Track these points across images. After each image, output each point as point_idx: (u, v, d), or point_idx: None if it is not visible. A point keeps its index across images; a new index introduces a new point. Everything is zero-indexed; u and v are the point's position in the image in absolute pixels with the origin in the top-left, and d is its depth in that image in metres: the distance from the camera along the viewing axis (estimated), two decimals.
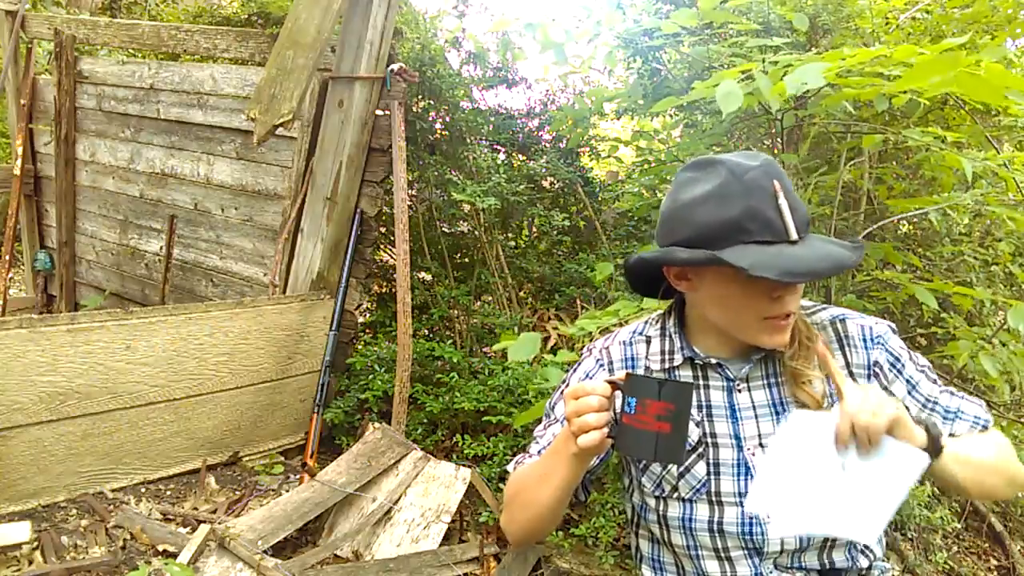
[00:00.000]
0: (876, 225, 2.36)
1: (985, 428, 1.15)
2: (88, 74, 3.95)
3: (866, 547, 1.14)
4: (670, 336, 1.18)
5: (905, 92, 1.62)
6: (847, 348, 1.12)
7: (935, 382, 1.15)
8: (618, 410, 0.99)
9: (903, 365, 1.13)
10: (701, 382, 1.14)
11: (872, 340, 1.12)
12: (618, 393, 0.99)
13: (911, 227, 2.91)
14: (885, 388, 1.11)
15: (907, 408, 1.11)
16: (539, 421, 1.27)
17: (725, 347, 1.12)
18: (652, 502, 1.16)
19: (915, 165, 2.43)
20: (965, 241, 2.70)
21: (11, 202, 4.23)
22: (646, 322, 1.24)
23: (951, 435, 1.14)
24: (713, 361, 1.12)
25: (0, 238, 4.42)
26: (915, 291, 1.95)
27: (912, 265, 2.39)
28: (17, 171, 4.19)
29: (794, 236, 0.97)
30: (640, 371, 1.18)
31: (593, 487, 1.34)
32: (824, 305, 1.19)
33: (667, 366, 1.16)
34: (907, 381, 1.13)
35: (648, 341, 1.20)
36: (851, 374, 1.11)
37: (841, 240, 1.05)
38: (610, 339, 1.24)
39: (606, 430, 0.96)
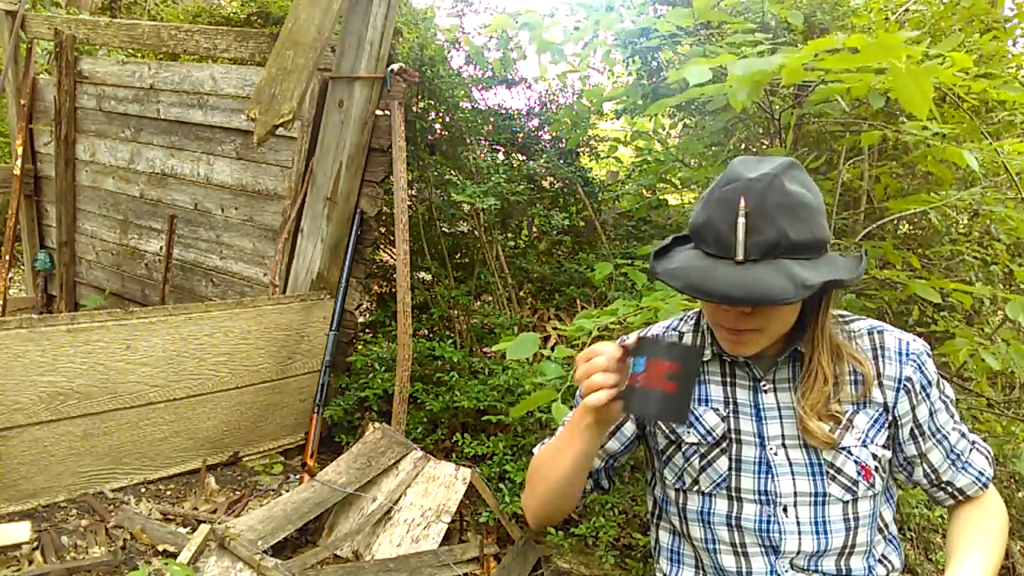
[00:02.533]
0: (875, 224, 2.36)
1: (985, 487, 1.16)
2: (88, 74, 3.95)
3: (884, 556, 1.15)
4: (702, 332, 1.20)
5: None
6: (881, 359, 1.12)
7: (953, 416, 1.16)
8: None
9: (932, 390, 1.13)
10: (728, 379, 1.15)
11: (907, 355, 1.12)
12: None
13: (910, 227, 2.91)
14: (912, 408, 1.12)
15: (915, 437, 1.13)
16: (537, 421, 1.28)
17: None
18: (673, 494, 1.18)
19: (913, 162, 2.43)
20: (963, 240, 2.70)
21: (11, 202, 4.23)
22: (681, 318, 1.27)
23: (949, 483, 1.15)
24: (740, 359, 1.13)
25: (0, 238, 4.42)
26: (916, 288, 1.95)
27: (911, 265, 2.39)
28: (17, 171, 4.20)
29: (739, 257, 0.97)
30: None
31: (608, 491, 1.36)
32: (863, 316, 1.20)
33: None
34: (931, 405, 1.13)
35: (680, 336, 1.23)
36: (880, 385, 1.11)
37: (807, 274, 0.96)
38: (644, 333, 1.27)
39: (614, 391, 1.00)
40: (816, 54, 1.33)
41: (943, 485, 1.16)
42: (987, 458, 1.18)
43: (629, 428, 1.23)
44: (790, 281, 0.94)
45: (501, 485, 2.44)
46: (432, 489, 2.39)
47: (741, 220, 0.97)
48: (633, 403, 1.00)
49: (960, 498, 1.17)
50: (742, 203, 0.97)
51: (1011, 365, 1.93)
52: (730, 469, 1.11)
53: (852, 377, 1.11)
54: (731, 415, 1.13)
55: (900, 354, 1.12)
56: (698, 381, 1.16)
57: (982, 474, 1.16)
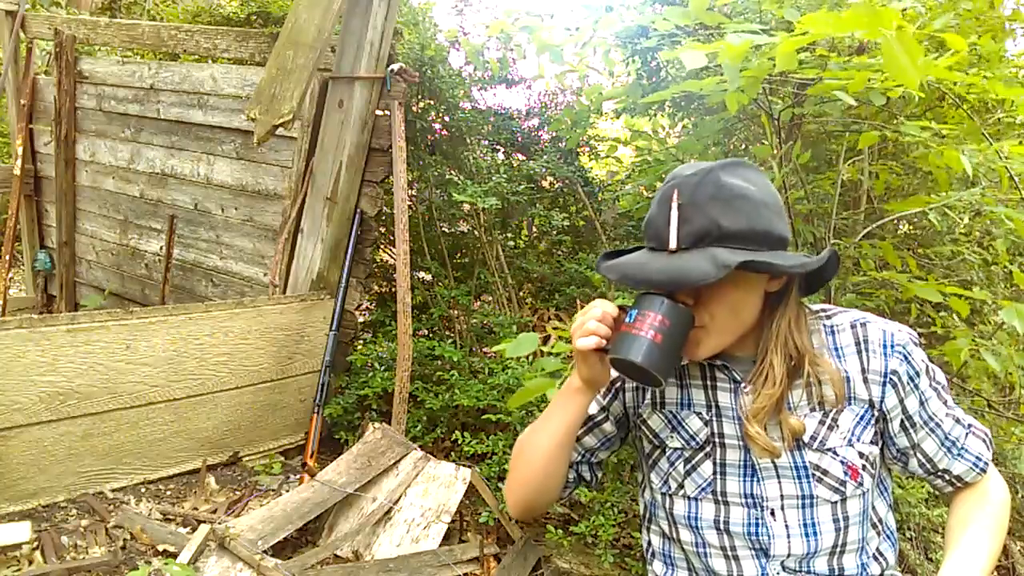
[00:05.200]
0: (875, 224, 2.36)
1: (983, 472, 1.14)
2: (88, 74, 3.95)
3: (879, 552, 1.13)
4: None
5: (898, 86, 1.62)
6: (865, 353, 1.09)
7: (945, 402, 1.13)
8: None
9: (920, 379, 1.10)
10: (709, 382, 1.14)
11: (892, 347, 1.09)
12: None
13: (911, 227, 2.91)
14: (900, 400, 1.09)
15: (906, 429, 1.11)
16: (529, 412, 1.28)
17: (731, 348, 1.12)
18: (660, 499, 1.17)
19: (912, 162, 2.42)
20: (963, 241, 2.70)
21: (11, 202, 4.24)
22: None
23: (946, 471, 1.14)
24: (719, 362, 1.12)
25: (0, 238, 4.42)
26: (915, 290, 1.95)
27: (909, 265, 2.39)
28: (17, 171, 4.20)
29: (671, 246, 0.99)
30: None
31: (593, 486, 1.35)
32: (848, 309, 1.17)
33: None
34: (920, 395, 1.11)
35: None
36: (866, 380, 1.09)
37: (735, 257, 0.96)
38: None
39: (603, 341, 1.03)
40: (805, 32, 1.32)
41: (940, 473, 1.14)
42: (985, 442, 1.15)
43: (608, 427, 1.23)
44: (712, 264, 0.95)
45: (501, 484, 2.44)
46: (432, 489, 2.39)
47: (674, 212, 1.00)
48: (617, 346, 1.00)
49: (959, 485, 1.15)
50: (675, 196, 1.01)
51: (1010, 368, 1.92)
52: (715, 473, 1.10)
53: (829, 378, 1.08)
54: (714, 419, 1.12)
55: (885, 346, 1.09)
56: (680, 385, 1.15)
57: (979, 459, 1.14)
